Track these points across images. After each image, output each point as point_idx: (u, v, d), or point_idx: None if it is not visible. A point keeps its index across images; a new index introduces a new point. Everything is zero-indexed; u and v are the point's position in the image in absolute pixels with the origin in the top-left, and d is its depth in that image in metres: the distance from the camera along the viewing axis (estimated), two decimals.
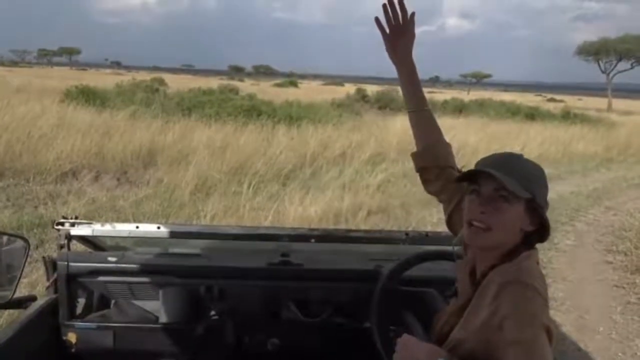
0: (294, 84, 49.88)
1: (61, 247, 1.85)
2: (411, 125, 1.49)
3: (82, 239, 1.95)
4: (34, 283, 3.58)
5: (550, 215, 1.13)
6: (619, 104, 48.25)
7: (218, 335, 1.84)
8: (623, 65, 47.07)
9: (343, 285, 1.87)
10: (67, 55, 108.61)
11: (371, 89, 26.05)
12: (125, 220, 4.64)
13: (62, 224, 1.86)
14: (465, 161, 1.13)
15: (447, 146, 1.46)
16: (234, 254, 2.10)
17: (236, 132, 10.18)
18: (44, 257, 1.82)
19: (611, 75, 47.34)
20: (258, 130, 10.53)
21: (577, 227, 6.88)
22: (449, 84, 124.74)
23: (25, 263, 1.66)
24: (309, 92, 35.11)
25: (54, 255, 1.84)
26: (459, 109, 22.61)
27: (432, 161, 1.43)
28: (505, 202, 1.07)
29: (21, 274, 1.65)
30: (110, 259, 1.82)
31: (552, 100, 54.27)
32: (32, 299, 1.76)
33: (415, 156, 1.48)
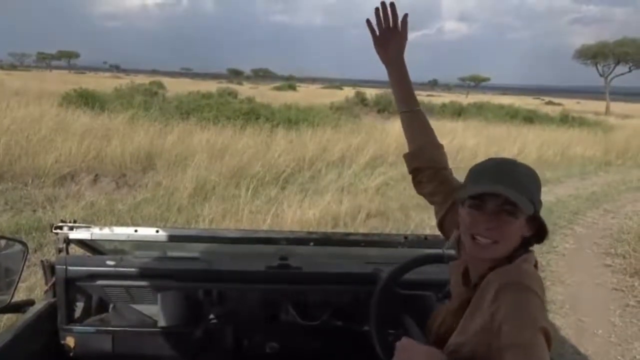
0: (292, 88, 49.96)
1: (59, 251, 1.85)
2: (403, 127, 1.49)
3: (81, 242, 1.95)
4: (32, 287, 3.58)
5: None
6: (617, 107, 48.38)
7: (217, 339, 1.84)
8: (621, 68, 47.19)
9: (342, 289, 1.87)
10: (66, 59, 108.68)
11: (370, 92, 26.08)
12: (124, 224, 4.64)
13: (61, 227, 1.85)
14: (464, 164, 1.12)
15: (440, 147, 1.46)
16: (233, 258, 2.10)
17: (235, 135, 10.19)
18: (42, 261, 1.81)
19: (609, 78, 47.44)
20: (257, 134, 10.54)
21: (575, 231, 6.88)
22: (447, 88, 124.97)
23: (23, 267, 1.66)
24: (307, 95, 35.17)
25: (53, 259, 1.83)
26: (458, 112, 22.64)
27: (425, 162, 1.43)
28: (510, 215, 1.07)
29: (19, 278, 1.64)
30: (108, 262, 1.82)
31: (550, 103, 54.45)
32: (31, 303, 1.75)
33: (407, 157, 1.48)
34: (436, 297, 1.60)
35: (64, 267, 1.76)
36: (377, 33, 1.47)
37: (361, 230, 5.63)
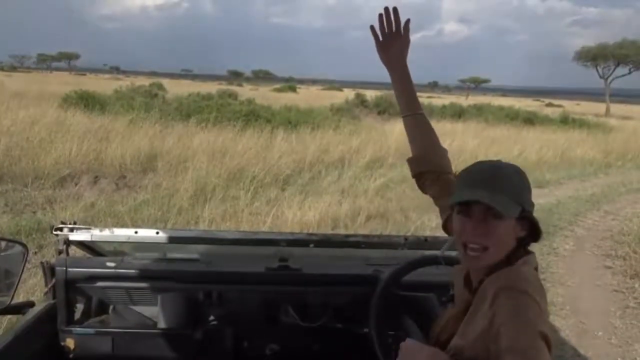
0: (292, 89, 49.97)
1: (60, 252, 1.84)
2: (406, 130, 1.50)
3: (81, 244, 1.95)
4: (32, 289, 3.57)
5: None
6: (617, 109, 48.41)
7: (217, 341, 1.83)
8: (621, 70, 47.21)
9: (342, 290, 1.87)
10: (66, 60, 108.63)
11: (370, 94, 26.08)
12: (124, 225, 4.63)
13: (61, 229, 1.85)
14: (465, 166, 1.13)
15: (443, 151, 1.47)
16: (233, 259, 2.10)
17: (235, 137, 10.19)
18: (42, 263, 1.80)
19: (609, 80, 47.46)
20: (257, 135, 10.55)
21: (576, 232, 6.87)
22: (447, 89, 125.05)
23: (23, 268, 1.65)
24: (307, 97, 35.18)
25: (53, 260, 1.82)
26: (458, 113, 22.64)
27: (428, 167, 1.44)
28: (497, 219, 1.07)
29: (19, 280, 1.64)
30: (108, 264, 1.82)
31: (550, 105, 54.47)
32: (30, 304, 1.75)
33: (411, 162, 1.49)
34: (438, 299, 1.60)
35: (64, 268, 1.76)
36: (380, 38, 1.49)
37: (361, 232, 5.63)
